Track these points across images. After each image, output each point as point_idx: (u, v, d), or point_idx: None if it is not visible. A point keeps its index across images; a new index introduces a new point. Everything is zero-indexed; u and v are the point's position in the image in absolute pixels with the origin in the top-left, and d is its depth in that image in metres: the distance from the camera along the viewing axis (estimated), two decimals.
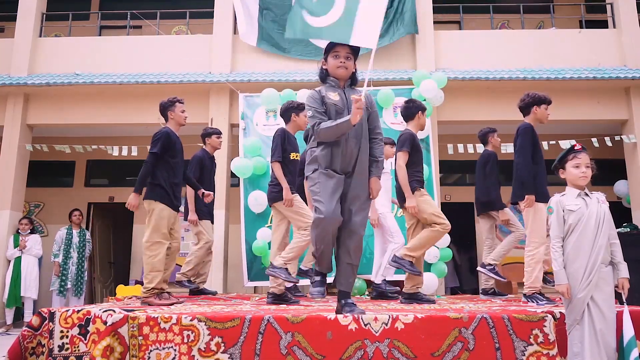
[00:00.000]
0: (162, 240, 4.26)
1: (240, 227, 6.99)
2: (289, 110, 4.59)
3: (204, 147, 5.69)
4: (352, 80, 3.33)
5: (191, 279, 5.39)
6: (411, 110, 4.49)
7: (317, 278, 3.28)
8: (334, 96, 3.21)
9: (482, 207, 5.37)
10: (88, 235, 7.94)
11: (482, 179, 5.31)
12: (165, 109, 4.58)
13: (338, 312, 3.13)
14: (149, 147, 4.33)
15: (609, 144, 7.44)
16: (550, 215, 2.89)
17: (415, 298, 4.36)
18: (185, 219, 5.44)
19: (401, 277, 5.84)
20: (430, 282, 6.17)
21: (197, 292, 5.39)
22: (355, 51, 3.29)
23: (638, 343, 2.82)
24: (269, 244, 6.67)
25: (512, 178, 4.32)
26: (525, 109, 4.40)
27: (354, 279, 3.22)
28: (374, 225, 5.37)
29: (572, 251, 2.76)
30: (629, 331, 2.59)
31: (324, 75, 3.32)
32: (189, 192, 5.35)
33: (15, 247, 7.29)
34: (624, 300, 2.71)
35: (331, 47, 3.27)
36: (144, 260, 4.30)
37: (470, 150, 7.32)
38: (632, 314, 2.83)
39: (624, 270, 2.76)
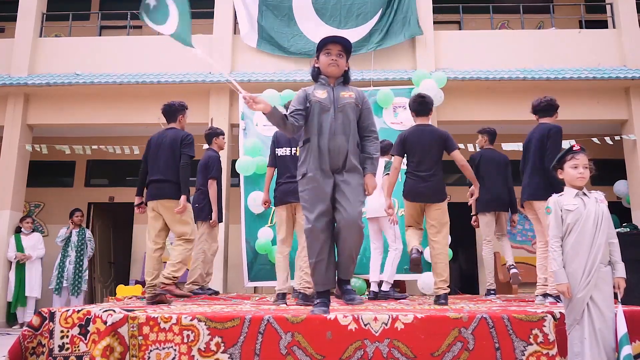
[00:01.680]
0: (194, 238, 4.48)
1: (240, 227, 6.98)
2: None
3: (209, 147, 5.68)
4: (345, 79, 3.30)
5: (202, 284, 5.32)
6: (429, 105, 4.48)
7: (318, 300, 3.14)
8: (321, 94, 3.18)
9: (500, 206, 5.44)
10: (89, 234, 7.94)
11: (504, 179, 5.42)
12: (177, 111, 4.68)
13: (338, 297, 3.10)
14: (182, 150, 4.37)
15: (610, 142, 7.44)
16: (549, 215, 2.90)
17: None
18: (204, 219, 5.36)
19: (402, 277, 5.84)
20: (430, 280, 6.15)
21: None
22: (347, 49, 3.26)
23: (634, 345, 2.84)
24: (272, 241, 6.67)
25: (524, 177, 4.33)
26: (548, 112, 4.42)
27: (354, 267, 3.18)
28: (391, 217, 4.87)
29: (570, 251, 2.76)
30: (621, 329, 2.60)
31: (316, 74, 3.30)
32: (212, 193, 5.32)
33: (17, 248, 7.30)
34: (619, 300, 2.71)
35: (323, 45, 3.24)
36: (176, 251, 4.31)
37: (471, 150, 7.31)
38: (629, 314, 2.84)
39: (620, 270, 2.76)
